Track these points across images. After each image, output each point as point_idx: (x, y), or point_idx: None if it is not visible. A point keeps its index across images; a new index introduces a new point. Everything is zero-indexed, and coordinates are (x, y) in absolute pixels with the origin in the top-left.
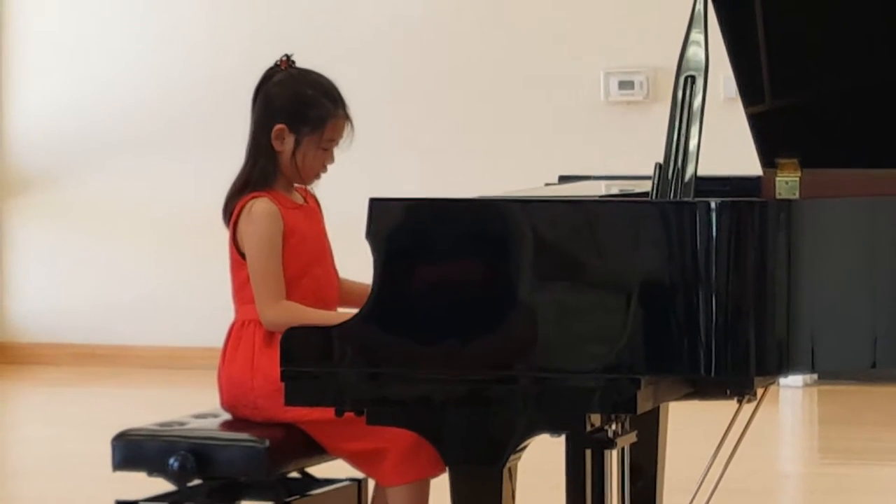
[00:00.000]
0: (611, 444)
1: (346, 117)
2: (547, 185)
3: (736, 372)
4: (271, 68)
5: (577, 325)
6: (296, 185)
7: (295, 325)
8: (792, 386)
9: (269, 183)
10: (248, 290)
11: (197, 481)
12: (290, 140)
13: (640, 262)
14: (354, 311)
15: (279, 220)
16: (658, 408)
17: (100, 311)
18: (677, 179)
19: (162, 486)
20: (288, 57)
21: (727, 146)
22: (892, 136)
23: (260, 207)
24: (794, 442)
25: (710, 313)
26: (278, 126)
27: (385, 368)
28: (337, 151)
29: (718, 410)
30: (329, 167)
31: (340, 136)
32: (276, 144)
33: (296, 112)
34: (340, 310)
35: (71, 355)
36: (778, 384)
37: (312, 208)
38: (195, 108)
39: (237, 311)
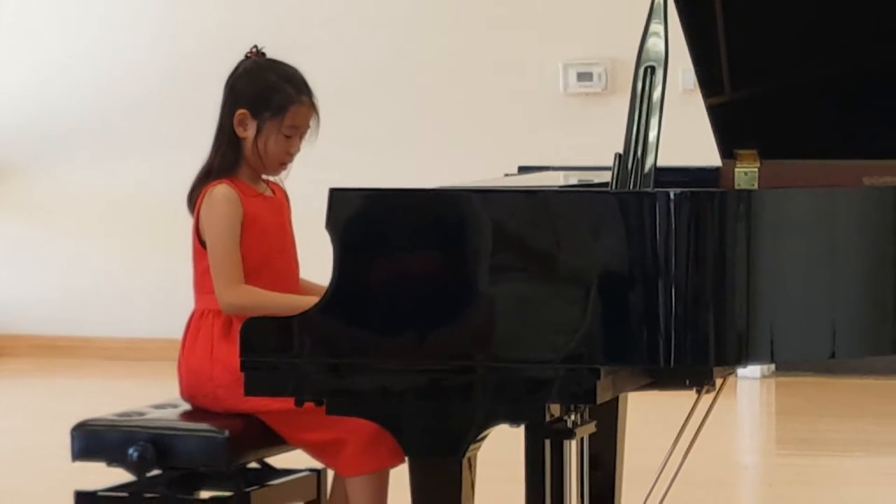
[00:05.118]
0: (570, 434)
1: (311, 106)
2: (507, 175)
3: (695, 362)
4: (241, 60)
5: (536, 316)
6: (264, 176)
7: (252, 308)
8: (750, 377)
9: (232, 171)
10: (208, 280)
11: (156, 471)
12: (252, 126)
13: (599, 253)
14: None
15: (238, 206)
16: (617, 398)
17: (59, 302)
18: (637, 170)
19: (121, 476)
20: (257, 48)
21: (686, 137)
22: (851, 128)
23: (219, 192)
24: (752, 433)
25: (669, 304)
26: (240, 111)
27: (345, 359)
28: (303, 144)
29: (677, 401)
30: (295, 157)
31: (304, 123)
32: (239, 130)
33: (258, 97)
34: None
35: (30, 346)
36: (736, 375)
37: (279, 200)
38: (154, 98)
39: (197, 301)
